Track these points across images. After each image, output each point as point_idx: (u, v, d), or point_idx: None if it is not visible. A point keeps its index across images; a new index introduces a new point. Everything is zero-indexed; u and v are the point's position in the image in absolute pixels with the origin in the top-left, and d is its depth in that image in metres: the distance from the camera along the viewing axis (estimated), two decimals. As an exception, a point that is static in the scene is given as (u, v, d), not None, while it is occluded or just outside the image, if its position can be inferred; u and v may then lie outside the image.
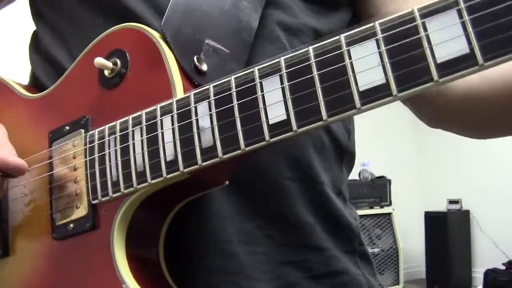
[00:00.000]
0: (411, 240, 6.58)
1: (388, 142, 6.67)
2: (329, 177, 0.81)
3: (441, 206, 6.53)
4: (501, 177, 6.10)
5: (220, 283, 0.72)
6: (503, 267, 5.66)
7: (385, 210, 5.73)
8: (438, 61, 0.46)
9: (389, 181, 5.89)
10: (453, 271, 6.14)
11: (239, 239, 0.73)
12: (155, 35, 0.67)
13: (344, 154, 0.86)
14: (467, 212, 6.48)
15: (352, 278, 0.81)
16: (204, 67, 0.67)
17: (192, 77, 0.66)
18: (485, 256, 6.25)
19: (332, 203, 0.81)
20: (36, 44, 0.89)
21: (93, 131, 0.69)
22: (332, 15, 0.84)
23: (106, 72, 0.69)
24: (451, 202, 6.49)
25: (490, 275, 5.60)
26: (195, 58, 0.67)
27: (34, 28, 0.92)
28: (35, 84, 0.86)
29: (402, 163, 6.95)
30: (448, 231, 6.18)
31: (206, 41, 0.69)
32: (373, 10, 0.86)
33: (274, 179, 0.75)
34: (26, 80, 0.90)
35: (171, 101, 0.61)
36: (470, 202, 6.42)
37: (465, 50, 0.45)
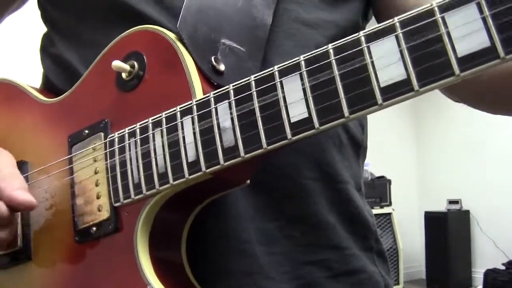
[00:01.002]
0: (411, 240, 6.58)
1: (388, 142, 6.67)
2: (350, 174, 0.82)
3: (441, 206, 6.53)
4: (501, 177, 6.11)
5: (241, 285, 0.72)
6: (503, 267, 5.65)
7: (385, 210, 5.72)
8: (459, 55, 0.47)
9: (389, 181, 5.89)
10: (453, 271, 6.13)
11: (258, 240, 0.73)
12: (172, 36, 0.67)
13: (360, 149, 0.86)
14: (467, 212, 6.48)
15: (370, 276, 0.81)
16: (222, 67, 0.68)
17: (210, 77, 0.66)
18: (485, 256, 6.25)
19: (352, 201, 0.81)
20: (47, 47, 0.89)
21: (113, 134, 0.69)
22: (344, 6, 0.83)
23: (123, 75, 0.70)
24: (451, 202, 6.49)
25: (490, 275, 5.60)
26: (212, 58, 0.67)
27: (44, 30, 0.92)
28: (48, 87, 0.86)
29: (402, 163, 6.97)
30: (448, 231, 6.18)
31: (222, 40, 0.70)
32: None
33: (294, 179, 0.75)
34: (37, 83, 0.90)
35: (190, 102, 0.62)
36: (470, 202, 6.43)
37: (486, 43, 0.46)
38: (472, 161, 6.41)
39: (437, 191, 6.80)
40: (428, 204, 6.69)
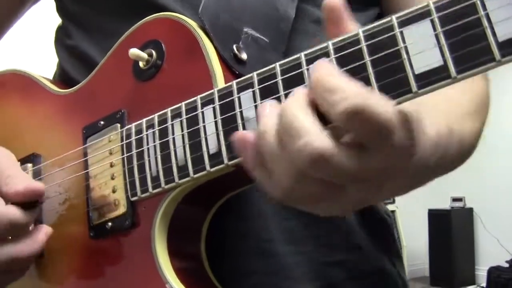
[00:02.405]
0: (415, 238, 6.57)
1: (391, 140, 6.67)
2: None
3: (444, 204, 6.52)
4: (504, 175, 6.10)
5: (261, 285, 0.70)
6: (507, 265, 5.67)
7: (389, 208, 5.70)
8: (500, 39, 0.44)
9: (393, 179, 5.87)
10: (457, 268, 6.14)
11: (280, 239, 0.71)
12: (192, 23, 0.65)
13: None
14: (470, 210, 6.48)
15: (388, 277, 0.80)
16: (244, 56, 0.65)
17: (232, 66, 0.64)
18: (489, 254, 6.25)
19: None
20: (63, 39, 0.88)
21: (129, 125, 0.67)
22: (364, 13, 0.82)
23: (141, 64, 0.68)
24: (455, 200, 6.49)
25: (494, 272, 5.61)
26: (234, 47, 0.65)
27: (55, 23, 0.90)
28: (64, 79, 0.84)
29: (405, 161, 6.95)
30: (451, 229, 6.19)
31: (245, 30, 0.67)
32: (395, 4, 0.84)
33: None
34: (49, 75, 0.88)
35: (212, 91, 0.59)
36: (473, 200, 6.43)
37: (531, 26, 0.43)
38: (475, 159, 6.33)
39: (441, 188, 6.76)
40: (431, 202, 6.66)
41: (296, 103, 0.48)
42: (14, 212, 0.64)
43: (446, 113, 0.65)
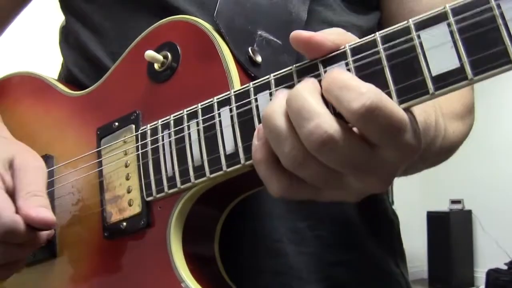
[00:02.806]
0: (413, 240, 6.55)
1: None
2: None
3: (443, 206, 6.52)
4: (503, 177, 6.10)
5: (270, 284, 0.71)
6: (505, 267, 5.65)
7: (387, 210, 5.71)
8: None
9: (391, 181, 5.87)
10: (455, 271, 6.14)
11: (289, 239, 0.72)
12: (207, 26, 0.65)
13: None
14: (469, 212, 6.48)
15: (393, 278, 0.81)
16: (259, 58, 0.66)
17: (248, 68, 0.64)
18: (487, 256, 6.25)
19: (379, 201, 0.81)
20: (68, 39, 0.88)
21: (144, 126, 0.67)
22: (369, 14, 0.83)
23: (156, 66, 0.68)
24: (453, 202, 6.49)
25: (492, 275, 5.60)
26: (249, 49, 0.65)
27: (57, 22, 0.90)
28: (70, 80, 0.85)
29: (404, 163, 6.95)
30: (450, 231, 6.19)
31: (259, 32, 0.68)
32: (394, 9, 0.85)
33: None
34: (50, 74, 0.88)
35: (228, 93, 0.59)
36: (472, 202, 6.42)
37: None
38: (474, 161, 6.40)
39: (440, 191, 6.78)
40: (430, 204, 6.67)
41: (308, 88, 0.49)
42: (20, 225, 0.62)
43: (434, 107, 0.67)
